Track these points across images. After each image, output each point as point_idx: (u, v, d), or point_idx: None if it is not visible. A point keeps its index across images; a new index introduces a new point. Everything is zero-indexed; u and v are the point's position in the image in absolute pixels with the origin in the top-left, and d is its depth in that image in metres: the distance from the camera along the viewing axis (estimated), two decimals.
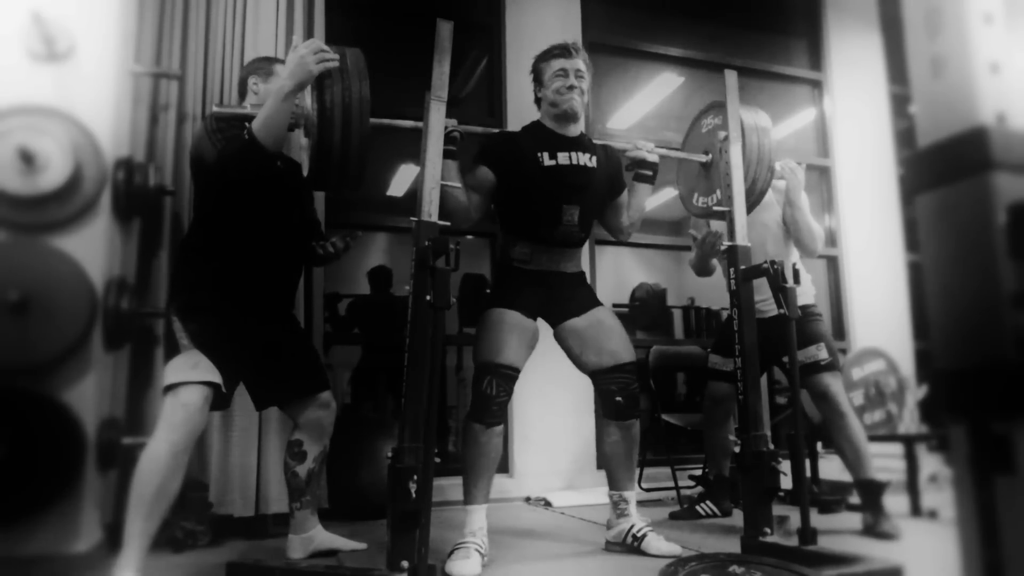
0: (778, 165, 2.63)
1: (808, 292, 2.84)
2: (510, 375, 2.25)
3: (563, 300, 2.42)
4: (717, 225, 2.79)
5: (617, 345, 2.39)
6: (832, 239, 4.80)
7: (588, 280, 2.55)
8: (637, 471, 3.57)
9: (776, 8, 5.10)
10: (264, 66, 2.33)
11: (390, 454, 1.76)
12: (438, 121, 1.94)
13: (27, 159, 2.12)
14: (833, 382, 2.68)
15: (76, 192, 2.21)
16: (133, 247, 2.60)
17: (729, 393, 2.90)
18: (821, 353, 2.69)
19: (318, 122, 1.87)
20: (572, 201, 2.37)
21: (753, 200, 2.48)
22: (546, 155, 2.36)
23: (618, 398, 2.35)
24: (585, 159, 2.40)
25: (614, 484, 2.40)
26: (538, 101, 2.47)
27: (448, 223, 1.92)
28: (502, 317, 2.31)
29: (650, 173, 2.51)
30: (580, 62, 2.39)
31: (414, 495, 1.69)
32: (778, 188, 2.82)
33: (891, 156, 4.91)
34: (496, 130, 2.62)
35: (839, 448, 2.65)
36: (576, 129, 2.44)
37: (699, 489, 3.62)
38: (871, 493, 2.56)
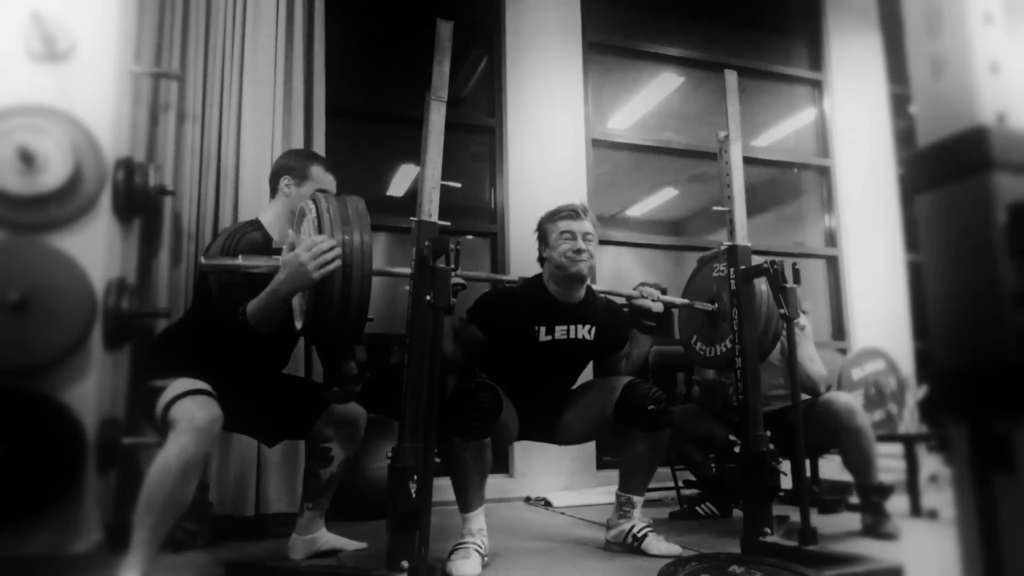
0: None
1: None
2: (492, 387, 2.19)
3: (543, 412, 2.42)
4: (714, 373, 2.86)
5: (609, 382, 2.38)
6: (832, 239, 4.80)
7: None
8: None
9: (776, 8, 5.10)
10: (299, 166, 2.24)
11: (390, 454, 1.76)
12: (438, 121, 1.93)
13: (27, 159, 2.12)
14: (844, 397, 2.66)
15: (76, 192, 2.21)
16: (133, 247, 2.60)
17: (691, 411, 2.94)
18: (820, 387, 2.71)
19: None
20: (561, 376, 2.43)
21: (765, 350, 2.45)
22: (543, 329, 2.33)
23: (651, 407, 2.27)
24: (584, 332, 2.38)
25: (626, 487, 2.38)
26: (542, 260, 2.41)
27: (448, 223, 1.90)
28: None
29: (652, 324, 2.41)
30: (588, 224, 2.35)
31: (414, 495, 1.69)
32: None
33: (891, 156, 4.91)
34: (499, 276, 2.57)
35: (846, 455, 2.60)
36: (580, 292, 2.39)
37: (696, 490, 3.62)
38: (876, 497, 2.55)
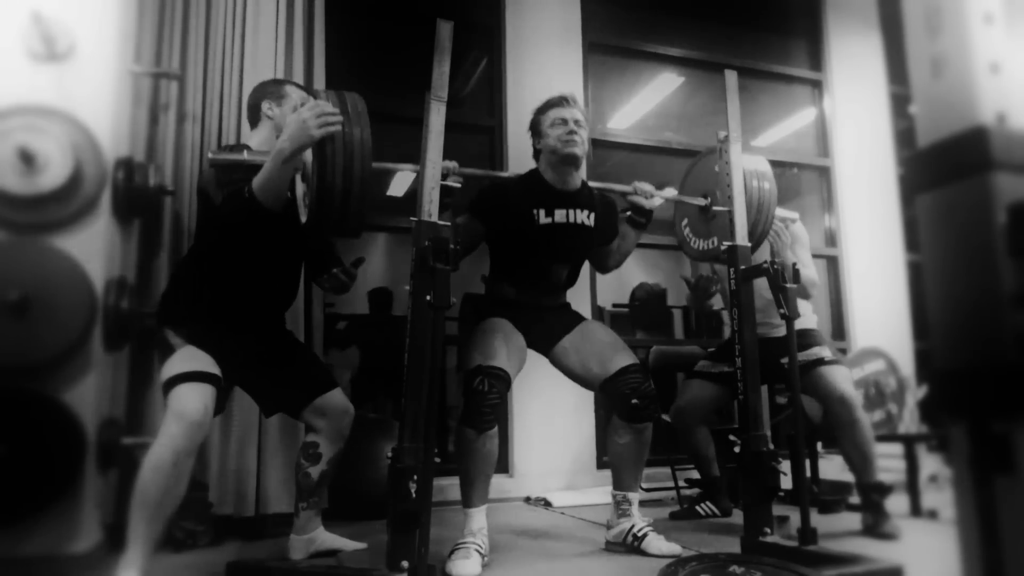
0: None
1: (809, 320, 2.85)
2: (502, 376, 2.19)
3: (548, 324, 2.43)
4: (710, 268, 2.83)
5: (616, 349, 2.38)
6: (832, 239, 4.80)
7: (586, 289, 2.53)
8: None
9: (776, 8, 5.10)
10: (275, 89, 2.30)
11: (390, 454, 1.76)
12: (438, 121, 1.93)
13: (27, 159, 2.12)
14: (842, 379, 2.64)
15: (76, 192, 2.21)
16: (133, 247, 2.60)
17: (714, 395, 2.89)
18: (824, 351, 2.68)
19: (318, 168, 1.83)
20: (563, 260, 2.43)
21: (753, 244, 2.44)
22: (542, 212, 2.36)
23: (634, 400, 2.28)
24: (583, 216, 2.40)
25: (619, 485, 2.38)
26: (537, 154, 2.45)
27: (448, 223, 1.90)
28: (493, 325, 2.31)
29: (643, 220, 2.47)
30: (578, 111, 2.38)
31: (414, 495, 1.69)
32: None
33: (891, 156, 4.91)
34: (497, 173, 2.59)
35: (845, 450, 2.61)
36: (576, 179, 2.43)
37: (698, 489, 3.63)
38: (876, 495, 2.55)
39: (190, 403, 1.86)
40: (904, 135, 4.91)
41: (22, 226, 2.16)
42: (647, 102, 5.18)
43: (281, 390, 2.24)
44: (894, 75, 4.98)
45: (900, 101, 4.96)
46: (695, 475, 3.38)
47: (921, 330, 4.55)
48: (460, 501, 2.25)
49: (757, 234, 2.46)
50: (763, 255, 2.75)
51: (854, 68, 4.96)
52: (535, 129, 2.45)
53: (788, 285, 2.15)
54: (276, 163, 1.86)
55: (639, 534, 2.29)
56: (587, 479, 3.77)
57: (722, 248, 2.38)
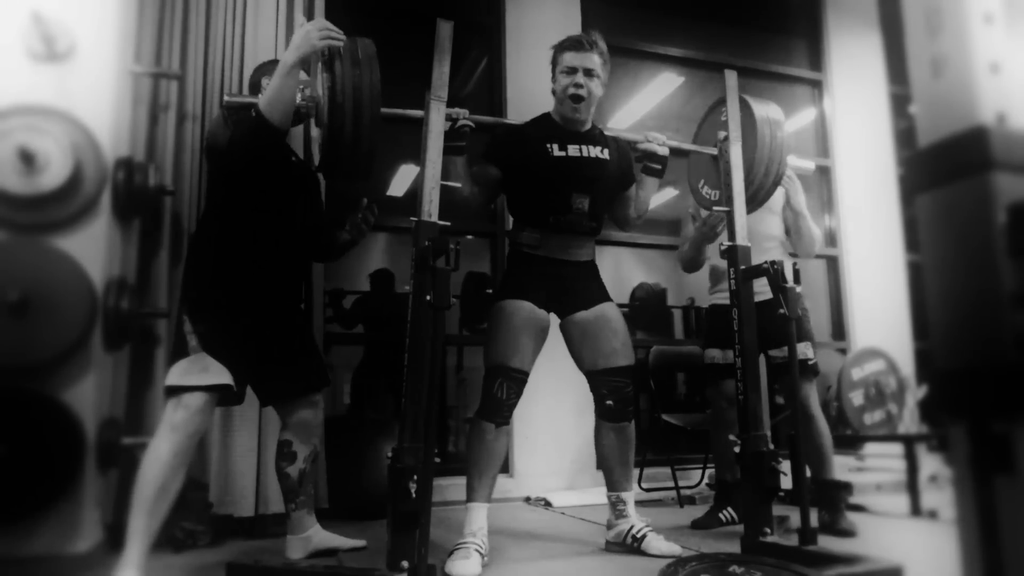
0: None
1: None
2: (521, 379, 2.27)
3: (573, 291, 2.39)
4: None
5: (616, 347, 2.38)
6: (832, 239, 4.80)
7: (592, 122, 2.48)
8: (636, 471, 3.57)
9: (776, 8, 5.10)
10: (271, 68, 2.30)
11: (390, 454, 1.75)
12: (438, 121, 1.93)
13: (27, 159, 2.12)
14: (808, 386, 2.68)
15: (76, 192, 2.21)
16: (133, 247, 2.60)
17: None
18: (808, 352, 2.68)
19: (329, 109, 1.86)
20: (582, 190, 2.35)
21: (764, 193, 2.48)
22: (556, 146, 2.35)
23: (609, 402, 2.36)
24: (596, 151, 2.39)
25: (611, 485, 2.40)
26: (553, 91, 2.44)
27: (448, 223, 1.90)
28: (514, 311, 2.30)
29: (659, 167, 2.44)
30: (594, 57, 2.33)
31: (414, 495, 1.68)
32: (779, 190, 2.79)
33: (891, 156, 4.91)
34: (506, 120, 2.58)
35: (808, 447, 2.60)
36: (587, 121, 2.42)
37: (698, 489, 3.62)
38: (831, 492, 2.58)
39: (191, 418, 1.91)
40: (904, 135, 4.91)
41: (22, 226, 2.16)
42: (647, 102, 5.18)
43: (277, 381, 2.24)
44: (894, 75, 4.98)
45: (900, 101, 4.96)
46: (709, 479, 3.33)
47: (921, 330, 4.55)
48: (459, 501, 2.26)
49: (770, 181, 2.46)
50: (778, 201, 2.77)
51: (854, 68, 4.96)
52: (552, 66, 2.43)
53: (788, 285, 2.15)
54: (280, 75, 1.91)
55: (638, 535, 2.29)
56: (587, 479, 3.77)
57: (721, 247, 2.38)
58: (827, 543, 2.27)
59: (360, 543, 2.38)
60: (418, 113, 2.02)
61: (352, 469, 3.07)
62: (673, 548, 2.24)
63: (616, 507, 2.38)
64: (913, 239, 4.59)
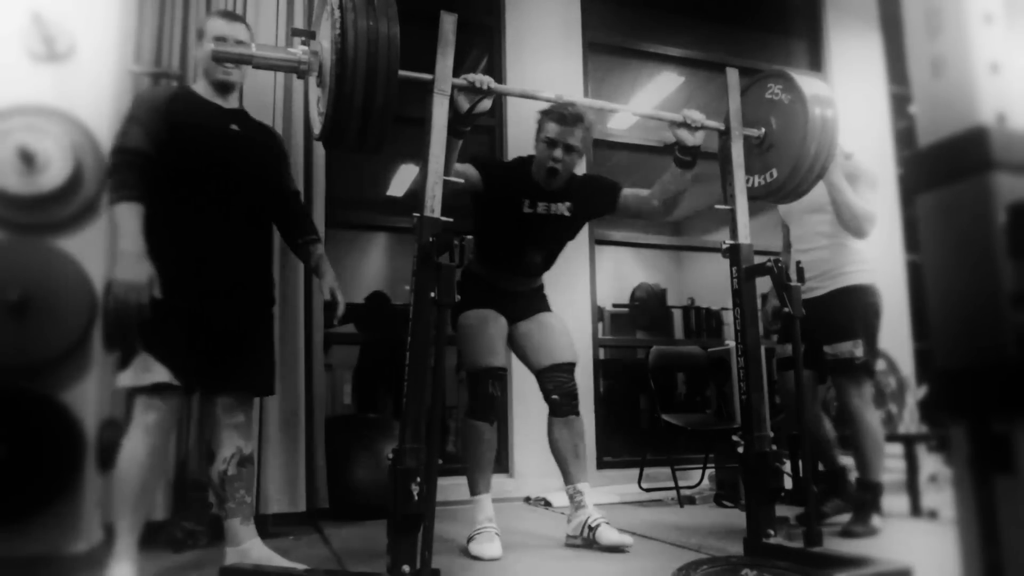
0: None
1: (859, 271, 2.72)
2: (504, 376, 2.47)
3: (516, 307, 2.55)
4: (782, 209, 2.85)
5: (555, 345, 2.51)
6: None
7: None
8: (635, 471, 3.57)
9: (776, 8, 5.10)
10: (202, 28, 2.16)
11: (391, 455, 1.70)
12: (441, 115, 1.87)
13: (27, 159, 2.12)
14: (853, 387, 2.62)
15: (76, 192, 2.21)
16: None
17: (810, 376, 2.75)
18: (857, 349, 2.62)
19: (337, 68, 1.62)
20: (539, 247, 2.51)
21: (815, 175, 2.40)
22: (527, 201, 2.45)
23: (554, 396, 2.46)
24: (563, 208, 2.48)
25: (567, 478, 2.47)
26: (534, 152, 2.46)
27: (451, 220, 1.83)
28: (482, 318, 2.45)
29: (688, 159, 2.30)
30: (576, 131, 2.34)
31: (417, 497, 1.64)
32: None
33: (891, 156, 4.90)
34: (534, 95, 2.36)
35: (852, 446, 2.63)
36: (560, 183, 2.44)
37: (698, 489, 3.62)
38: (863, 493, 2.57)
39: (151, 413, 1.90)
40: (904, 135, 4.91)
41: (22, 226, 2.16)
42: (647, 102, 5.18)
43: (222, 375, 2.05)
44: (894, 75, 4.97)
45: (900, 101, 4.95)
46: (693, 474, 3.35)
47: (921, 330, 4.55)
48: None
49: (819, 165, 2.37)
50: (820, 193, 2.63)
51: (854, 68, 4.96)
52: (537, 130, 2.44)
53: (792, 284, 2.13)
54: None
55: (593, 525, 2.34)
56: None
57: (724, 246, 2.33)
58: (830, 544, 2.27)
59: (300, 566, 2.04)
60: (428, 76, 1.86)
61: (352, 469, 3.07)
62: (624, 539, 2.30)
63: (574, 499, 2.45)
64: (913, 239, 4.58)
